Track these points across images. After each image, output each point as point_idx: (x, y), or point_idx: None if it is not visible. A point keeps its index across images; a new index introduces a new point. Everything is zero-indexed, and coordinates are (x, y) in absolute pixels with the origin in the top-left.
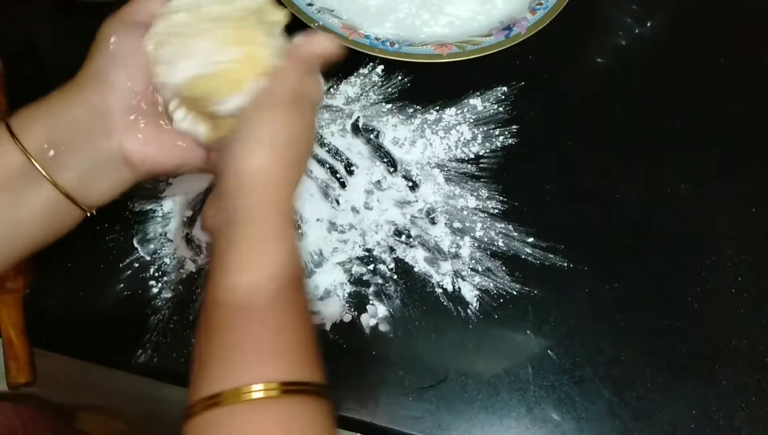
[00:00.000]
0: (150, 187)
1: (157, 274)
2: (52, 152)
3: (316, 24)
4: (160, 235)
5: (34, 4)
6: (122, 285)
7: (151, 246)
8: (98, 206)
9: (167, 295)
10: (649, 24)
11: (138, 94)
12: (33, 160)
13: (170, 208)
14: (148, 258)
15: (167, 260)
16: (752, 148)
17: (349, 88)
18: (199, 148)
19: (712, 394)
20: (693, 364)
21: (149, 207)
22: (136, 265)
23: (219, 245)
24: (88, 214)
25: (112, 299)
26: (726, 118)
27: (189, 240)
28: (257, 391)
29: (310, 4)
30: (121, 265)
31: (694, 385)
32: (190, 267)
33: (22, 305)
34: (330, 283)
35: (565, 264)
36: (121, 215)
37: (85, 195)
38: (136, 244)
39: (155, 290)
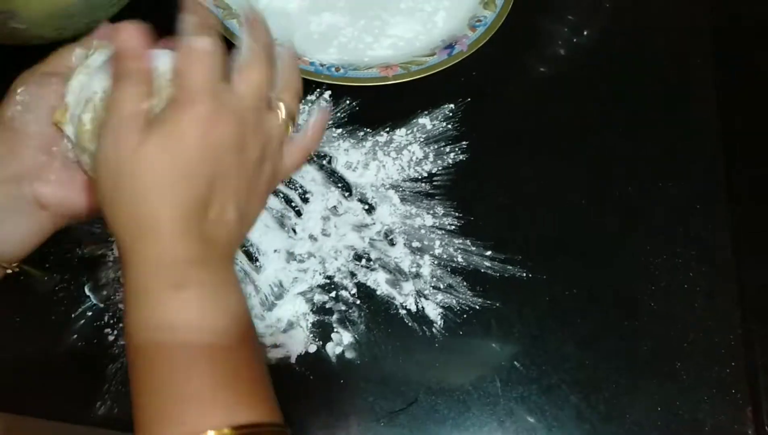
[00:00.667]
0: (99, 231)
1: (112, 321)
2: None
3: None
4: (113, 279)
5: None
6: (76, 336)
7: (104, 292)
8: (19, 259)
9: (124, 341)
10: (585, 33)
11: (48, 140)
12: None
13: None
14: (102, 305)
15: (122, 306)
16: (693, 147)
17: (298, 115)
18: None
19: (675, 390)
20: (655, 363)
21: (100, 252)
22: (89, 313)
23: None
24: (9, 271)
25: (66, 351)
26: (666, 119)
27: None
28: None
29: None
30: (73, 315)
31: (657, 382)
32: None
33: None
34: (292, 314)
35: (524, 274)
36: (70, 263)
37: (2, 250)
38: (88, 292)
39: (111, 338)
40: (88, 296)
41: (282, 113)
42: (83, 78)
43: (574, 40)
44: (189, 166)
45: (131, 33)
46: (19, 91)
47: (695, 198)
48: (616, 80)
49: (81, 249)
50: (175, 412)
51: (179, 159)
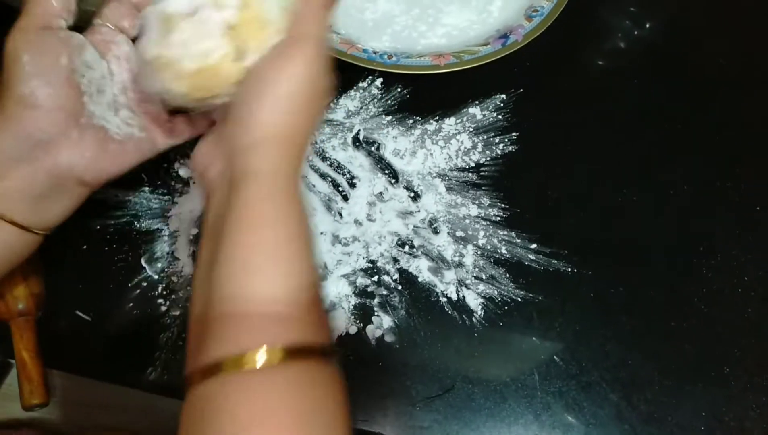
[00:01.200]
0: (156, 207)
1: (165, 293)
2: None
3: None
4: (167, 253)
5: None
6: (131, 304)
7: (159, 265)
8: (55, 226)
9: (175, 312)
10: (647, 26)
11: (71, 110)
12: None
13: (176, 226)
14: (156, 277)
15: (175, 278)
16: (754, 148)
17: (349, 102)
18: (144, 141)
19: (722, 396)
20: (701, 366)
21: (156, 226)
22: (145, 284)
23: (221, 194)
24: (48, 233)
25: (122, 319)
26: (727, 118)
27: (196, 257)
28: (260, 357)
29: None
30: (129, 285)
31: (703, 387)
32: None
33: (35, 328)
34: (335, 296)
35: (569, 269)
36: (129, 235)
37: (39, 221)
38: (144, 264)
39: (164, 308)
40: (144, 268)
41: None
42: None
43: (635, 32)
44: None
45: None
46: (25, 59)
47: (755, 199)
48: (677, 75)
49: (139, 222)
50: (232, 330)
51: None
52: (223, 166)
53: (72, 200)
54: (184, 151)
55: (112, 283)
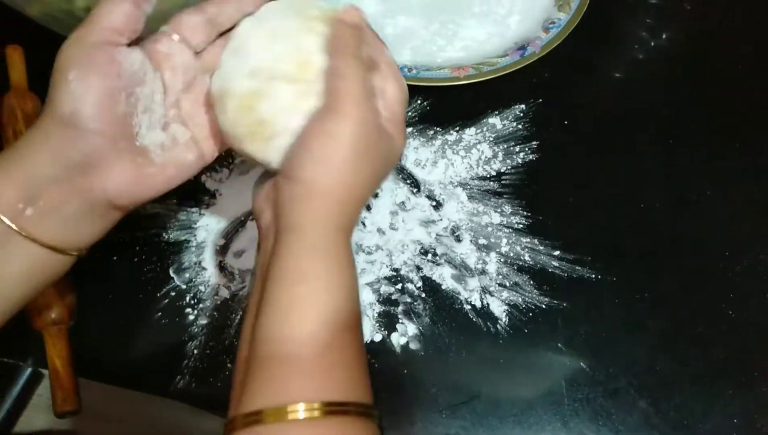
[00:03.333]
0: (184, 218)
1: (193, 302)
2: (29, 211)
3: None
4: (195, 263)
5: None
6: (160, 313)
7: (187, 275)
8: (87, 247)
9: (203, 321)
10: (664, 36)
11: (112, 134)
12: (8, 222)
13: (204, 237)
14: (184, 286)
15: (202, 288)
16: None
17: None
18: (189, 162)
19: (753, 402)
20: (731, 371)
21: (184, 237)
22: (173, 293)
23: (269, 243)
24: (81, 255)
25: (151, 328)
26: (747, 122)
27: (222, 267)
28: (299, 410)
29: None
30: (158, 295)
31: (733, 393)
32: (225, 293)
33: (67, 336)
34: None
35: (593, 275)
36: (157, 246)
37: (71, 242)
38: (172, 274)
39: (191, 317)
40: (172, 278)
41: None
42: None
43: (652, 43)
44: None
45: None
46: (71, 77)
47: None
48: (696, 84)
49: (167, 233)
50: (276, 382)
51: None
52: (273, 215)
53: (105, 222)
54: (211, 164)
55: (141, 293)
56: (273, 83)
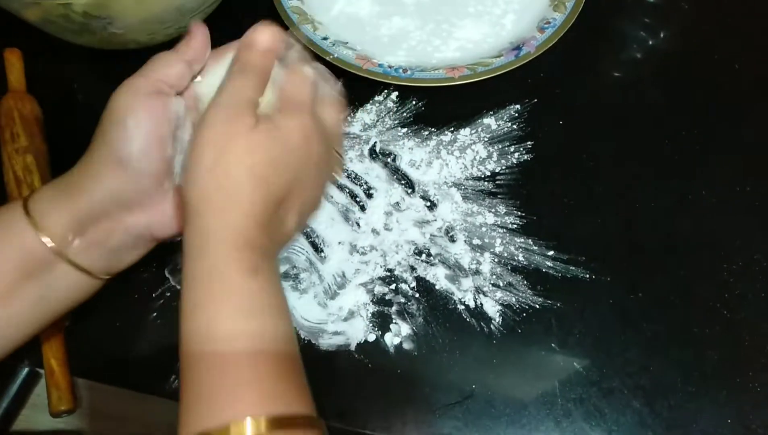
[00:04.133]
0: None
1: None
2: (77, 242)
3: (331, 56)
4: None
5: (72, 50)
6: (155, 314)
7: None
8: (119, 272)
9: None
10: (662, 35)
11: (159, 176)
12: (56, 250)
13: None
14: (179, 287)
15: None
16: None
17: (366, 115)
18: None
19: (748, 402)
20: (725, 372)
21: (179, 238)
22: (168, 294)
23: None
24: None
25: (147, 328)
26: (746, 123)
27: None
28: (247, 429)
29: (325, 38)
30: (154, 295)
31: (728, 393)
32: None
33: (63, 336)
34: (353, 304)
35: (587, 275)
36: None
37: (108, 269)
38: (167, 274)
39: None
40: (168, 278)
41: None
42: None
43: (650, 42)
44: (284, 164)
45: (270, 34)
46: (128, 122)
47: None
48: (693, 82)
49: None
50: (217, 400)
51: (280, 154)
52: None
53: (141, 252)
54: None
55: (136, 293)
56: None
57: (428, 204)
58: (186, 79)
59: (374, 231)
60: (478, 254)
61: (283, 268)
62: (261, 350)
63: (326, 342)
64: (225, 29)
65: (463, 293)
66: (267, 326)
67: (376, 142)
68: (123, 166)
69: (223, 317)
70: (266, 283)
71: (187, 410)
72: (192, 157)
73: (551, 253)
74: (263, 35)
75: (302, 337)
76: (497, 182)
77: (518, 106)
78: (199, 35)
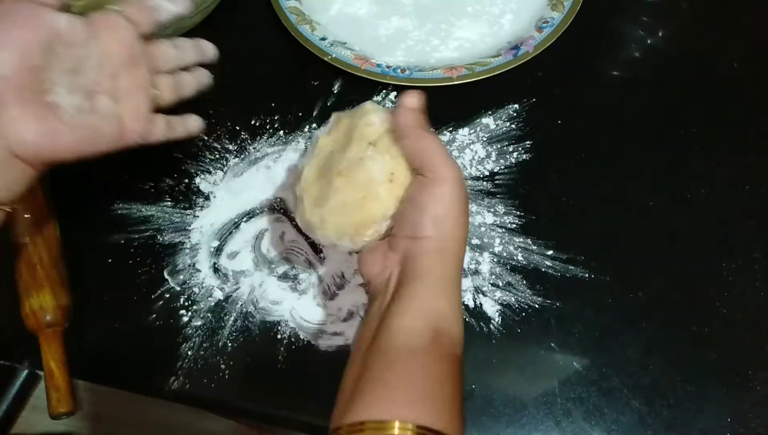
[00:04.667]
0: (178, 220)
1: (186, 304)
2: None
3: (330, 56)
4: (189, 265)
5: None
6: (154, 315)
7: (181, 276)
8: (12, 202)
9: (197, 323)
10: (660, 34)
11: (17, 82)
12: None
13: (197, 239)
14: (178, 288)
15: (196, 290)
16: None
17: None
18: (105, 133)
19: (748, 401)
20: (724, 371)
21: (178, 239)
22: (167, 295)
23: (387, 295)
24: (9, 210)
25: (146, 329)
26: (744, 122)
27: (216, 269)
28: (396, 427)
29: (324, 38)
30: (152, 297)
31: (727, 392)
32: (218, 295)
33: (62, 338)
34: (352, 304)
35: (587, 275)
36: (152, 249)
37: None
38: (166, 276)
39: (185, 319)
40: (167, 280)
41: None
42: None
43: (648, 41)
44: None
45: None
46: None
47: None
48: (692, 81)
49: (162, 236)
50: (378, 397)
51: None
52: (389, 274)
53: (17, 175)
54: (205, 166)
55: (136, 294)
56: (372, 189)
57: None
58: None
59: None
60: (477, 254)
61: (282, 269)
62: (435, 367)
63: (325, 342)
64: (223, 30)
65: (463, 293)
66: (448, 346)
67: None
68: None
69: (443, 307)
70: (455, 304)
71: (353, 399)
72: (441, 207)
73: (550, 252)
74: (413, 98)
75: (302, 337)
76: (496, 182)
77: (517, 106)
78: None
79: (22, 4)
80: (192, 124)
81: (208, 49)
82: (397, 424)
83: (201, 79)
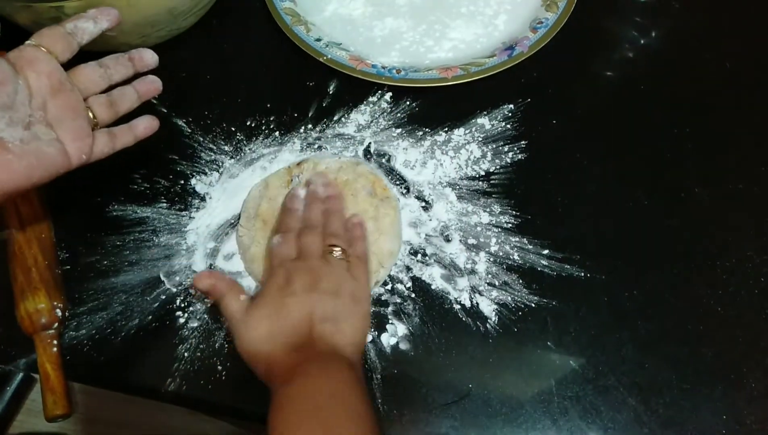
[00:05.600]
0: (174, 222)
1: (183, 305)
2: None
3: (325, 57)
4: (185, 267)
5: None
6: (150, 317)
7: (177, 278)
8: None
9: (194, 324)
10: (653, 34)
11: None
12: None
13: (194, 240)
14: (175, 290)
15: (192, 291)
16: (765, 148)
17: (360, 116)
18: (51, 156)
19: (742, 398)
20: (720, 369)
21: (174, 241)
22: (163, 297)
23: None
24: None
25: (142, 331)
26: (737, 121)
27: (212, 271)
28: None
29: (319, 39)
30: (149, 298)
31: (723, 389)
32: None
33: (57, 341)
34: None
35: (582, 274)
36: (147, 250)
37: None
38: (162, 277)
39: (182, 320)
40: (163, 281)
41: (337, 252)
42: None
43: (642, 41)
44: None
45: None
46: None
47: (767, 200)
48: (685, 80)
49: (158, 237)
50: None
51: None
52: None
53: None
54: (201, 167)
55: (131, 297)
56: None
57: (423, 204)
58: None
59: None
60: (473, 254)
61: None
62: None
63: None
64: (218, 31)
65: (459, 293)
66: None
67: (370, 143)
68: None
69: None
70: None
71: None
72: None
73: (546, 251)
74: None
75: None
76: (492, 182)
77: (512, 106)
78: None
79: None
80: (141, 129)
81: (145, 58)
82: None
83: (144, 89)
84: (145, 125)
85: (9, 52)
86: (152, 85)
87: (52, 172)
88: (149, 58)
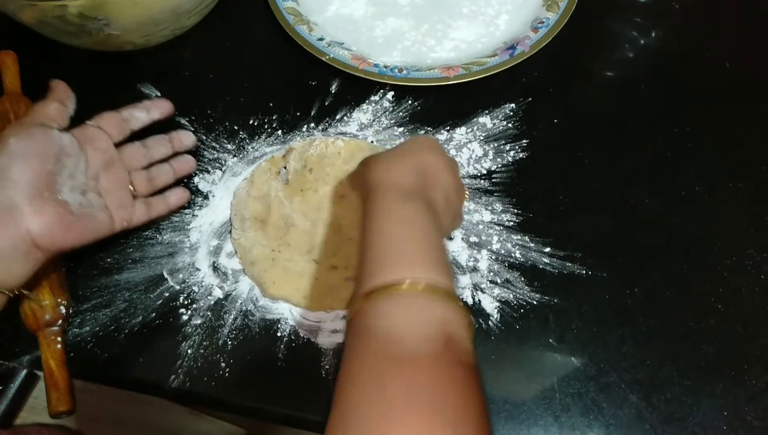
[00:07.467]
0: (177, 220)
1: (186, 302)
2: None
3: (327, 57)
4: (188, 264)
5: (68, 52)
6: (154, 314)
7: (180, 275)
8: (19, 287)
9: (197, 321)
10: (653, 34)
11: (38, 185)
12: None
13: (197, 238)
14: (178, 287)
15: (196, 288)
16: (765, 148)
17: (362, 115)
18: (101, 221)
19: (743, 395)
20: (721, 365)
21: (177, 239)
22: (167, 294)
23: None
24: (11, 295)
25: (145, 329)
26: (737, 120)
27: (216, 268)
28: (405, 285)
29: (321, 39)
30: (152, 296)
31: (723, 386)
32: (218, 294)
33: (61, 337)
34: None
35: (584, 271)
36: (151, 248)
37: (2, 282)
38: (165, 275)
39: (185, 318)
40: (166, 279)
41: None
42: None
43: (642, 41)
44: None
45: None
46: (11, 141)
47: (767, 198)
48: (684, 80)
49: (161, 235)
50: (387, 264)
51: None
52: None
53: (29, 263)
54: (204, 165)
55: (135, 293)
56: None
57: None
58: (62, 114)
59: None
60: (475, 251)
61: None
62: (423, 233)
63: (325, 340)
64: (221, 31)
65: (461, 290)
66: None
67: (373, 142)
68: (7, 179)
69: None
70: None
71: (363, 274)
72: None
73: (548, 249)
74: None
75: (301, 335)
76: (493, 180)
77: (513, 105)
78: (60, 84)
79: (37, 127)
80: (173, 200)
81: (184, 140)
82: (406, 283)
83: (179, 167)
84: (177, 196)
85: (73, 129)
86: (187, 165)
87: (99, 235)
88: (187, 139)
